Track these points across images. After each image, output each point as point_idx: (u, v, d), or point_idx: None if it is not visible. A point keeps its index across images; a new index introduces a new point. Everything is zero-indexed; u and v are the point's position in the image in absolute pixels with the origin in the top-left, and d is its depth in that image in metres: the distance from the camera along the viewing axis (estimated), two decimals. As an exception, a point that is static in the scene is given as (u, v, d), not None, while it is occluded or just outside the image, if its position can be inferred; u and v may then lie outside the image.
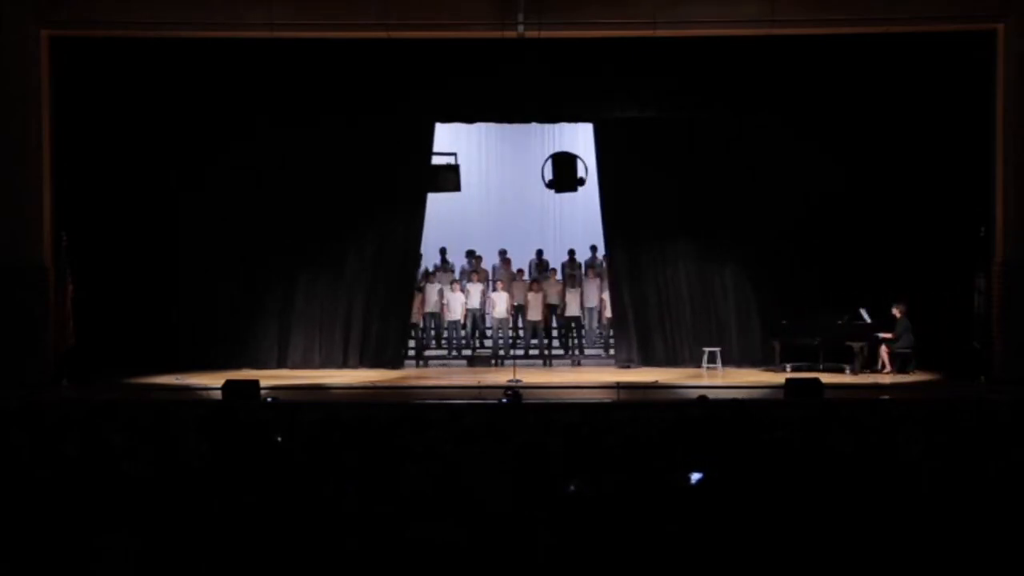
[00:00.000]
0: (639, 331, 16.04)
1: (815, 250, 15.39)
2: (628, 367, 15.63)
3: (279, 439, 6.48)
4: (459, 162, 16.05)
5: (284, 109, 15.26)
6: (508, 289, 16.73)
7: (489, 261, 17.66)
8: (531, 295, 16.40)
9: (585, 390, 13.41)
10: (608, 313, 16.47)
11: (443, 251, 17.59)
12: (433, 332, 17.15)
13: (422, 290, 16.70)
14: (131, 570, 3.96)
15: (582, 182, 14.62)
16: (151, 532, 4.15)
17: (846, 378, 14.26)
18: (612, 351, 16.56)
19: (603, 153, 15.87)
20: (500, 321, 16.51)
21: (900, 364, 14.69)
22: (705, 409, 8.23)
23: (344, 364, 15.81)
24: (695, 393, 12.83)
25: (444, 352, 16.94)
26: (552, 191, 15.55)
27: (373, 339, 15.93)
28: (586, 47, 14.57)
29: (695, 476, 4.91)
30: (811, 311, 14.93)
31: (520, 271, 17.28)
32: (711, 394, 10.58)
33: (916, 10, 13.72)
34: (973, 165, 14.18)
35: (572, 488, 4.74)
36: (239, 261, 15.84)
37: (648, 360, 15.93)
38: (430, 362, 16.62)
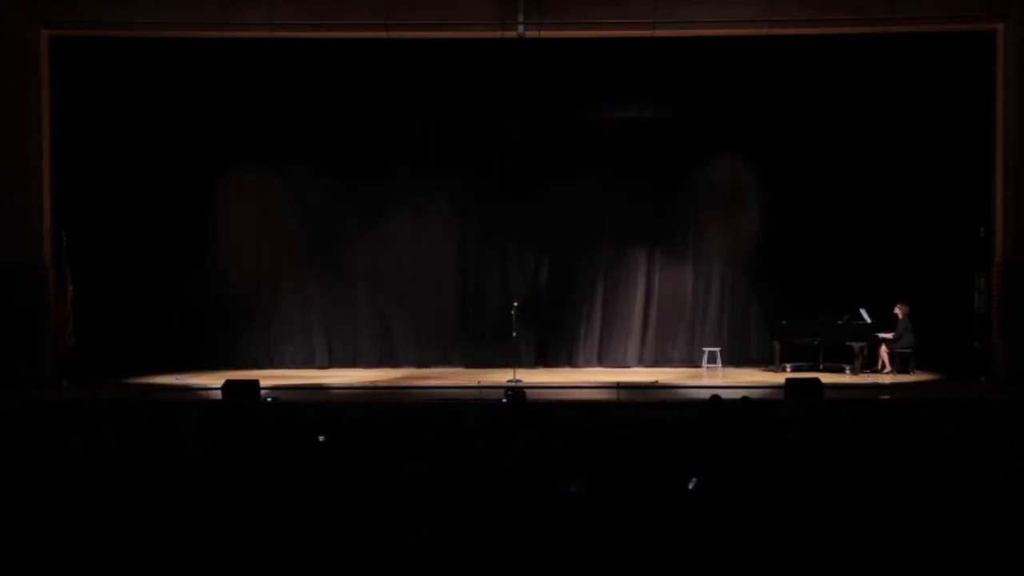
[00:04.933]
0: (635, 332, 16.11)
1: (815, 250, 15.39)
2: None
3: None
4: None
5: (282, 108, 15.29)
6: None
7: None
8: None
9: (585, 390, 13.40)
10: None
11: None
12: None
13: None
14: (132, 569, 3.97)
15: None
16: (152, 531, 4.15)
17: (846, 378, 14.26)
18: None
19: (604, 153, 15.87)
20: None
21: (900, 364, 14.68)
22: (718, 409, 8.22)
23: (354, 364, 15.84)
24: (695, 393, 12.88)
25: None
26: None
27: (386, 338, 15.97)
28: (586, 47, 14.57)
29: (695, 480, 4.91)
30: (811, 311, 14.93)
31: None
32: (711, 394, 10.57)
33: (916, 10, 13.72)
34: (973, 165, 14.17)
35: (572, 488, 4.74)
36: (240, 260, 15.85)
37: (641, 361, 15.99)
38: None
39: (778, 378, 13.56)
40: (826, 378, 12.76)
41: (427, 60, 14.75)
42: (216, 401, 11.94)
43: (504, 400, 11.36)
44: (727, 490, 4.71)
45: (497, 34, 13.95)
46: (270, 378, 13.76)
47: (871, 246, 15.16)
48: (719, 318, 16.12)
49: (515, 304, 13.94)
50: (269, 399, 11.74)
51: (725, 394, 9.53)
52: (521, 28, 13.75)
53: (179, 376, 14.27)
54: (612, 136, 15.79)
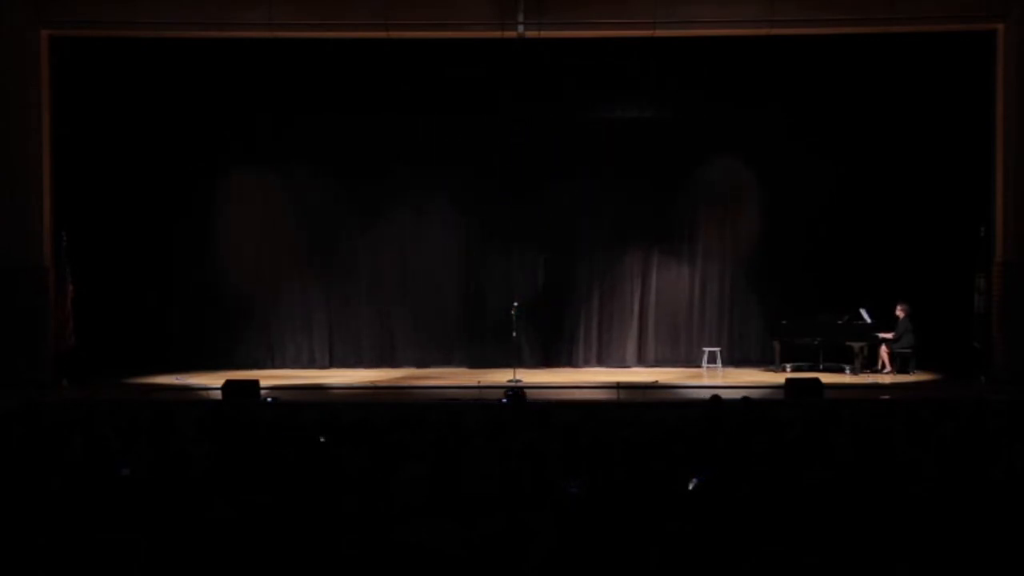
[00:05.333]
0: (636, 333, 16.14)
1: (815, 250, 15.40)
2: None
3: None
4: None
5: (282, 108, 15.30)
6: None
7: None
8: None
9: (585, 390, 13.40)
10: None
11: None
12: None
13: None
14: (132, 569, 3.96)
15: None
16: (152, 531, 4.15)
17: (846, 378, 14.26)
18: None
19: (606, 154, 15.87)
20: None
21: (900, 364, 14.68)
22: (718, 409, 8.22)
23: (354, 364, 15.86)
24: (695, 393, 12.88)
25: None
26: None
27: (387, 338, 15.99)
28: (586, 47, 14.57)
29: (695, 480, 4.91)
30: (811, 311, 14.94)
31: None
32: (711, 394, 10.57)
33: (916, 10, 13.72)
34: (973, 165, 14.17)
35: (572, 488, 4.74)
36: (240, 260, 15.85)
37: (641, 361, 16.01)
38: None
39: (778, 378, 13.56)
40: (826, 378, 12.76)
41: (427, 60, 14.75)
42: (216, 401, 11.94)
43: (504, 400, 11.35)
44: (727, 490, 4.70)
45: (497, 34, 13.95)
46: (270, 378, 13.77)
47: (871, 246, 15.17)
48: (719, 318, 16.13)
49: (515, 304, 13.93)
50: (269, 399, 11.74)
51: (725, 394, 9.53)
52: (521, 28, 13.76)
53: (179, 376, 14.27)
54: (612, 136, 15.79)
